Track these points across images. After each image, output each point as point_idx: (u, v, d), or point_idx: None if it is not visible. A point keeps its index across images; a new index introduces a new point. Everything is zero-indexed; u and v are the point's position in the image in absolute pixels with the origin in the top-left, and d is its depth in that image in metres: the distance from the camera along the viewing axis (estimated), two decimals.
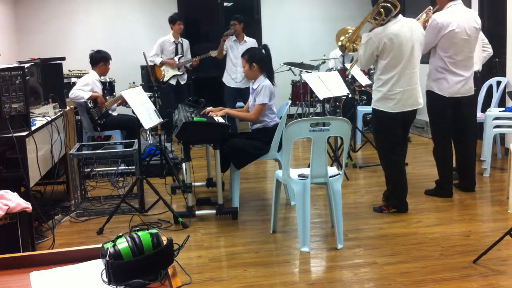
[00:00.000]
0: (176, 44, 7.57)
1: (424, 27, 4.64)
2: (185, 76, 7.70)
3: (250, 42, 7.23)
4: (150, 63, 7.50)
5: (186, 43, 7.71)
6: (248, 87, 7.18)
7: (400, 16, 4.25)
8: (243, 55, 4.78)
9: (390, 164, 4.45)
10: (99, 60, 6.27)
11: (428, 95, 4.73)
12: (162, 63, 7.43)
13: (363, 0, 8.86)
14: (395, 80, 4.23)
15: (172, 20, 7.52)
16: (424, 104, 4.73)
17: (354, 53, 8.04)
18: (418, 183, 5.18)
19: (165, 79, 7.43)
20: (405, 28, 4.21)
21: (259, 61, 4.66)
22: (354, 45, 4.52)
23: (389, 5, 4.14)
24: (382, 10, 4.18)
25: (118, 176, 5.17)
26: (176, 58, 7.50)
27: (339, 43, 4.48)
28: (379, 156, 4.57)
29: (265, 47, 4.81)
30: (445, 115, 4.67)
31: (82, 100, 5.98)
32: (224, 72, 7.36)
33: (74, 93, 5.97)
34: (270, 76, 4.72)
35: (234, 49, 7.21)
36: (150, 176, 4.97)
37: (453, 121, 4.71)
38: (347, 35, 4.44)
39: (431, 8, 4.81)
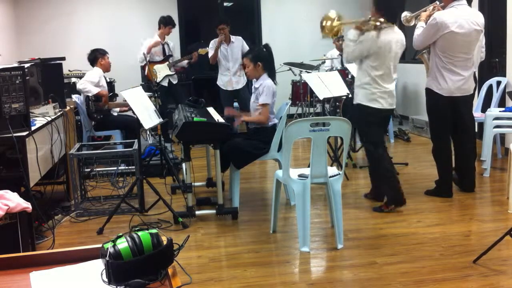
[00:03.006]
0: (163, 45, 7.59)
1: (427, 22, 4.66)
2: (176, 76, 7.71)
3: (237, 41, 7.19)
4: (141, 64, 7.58)
5: (171, 43, 7.75)
6: (243, 88, 7.23)
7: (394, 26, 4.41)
8: (246, 55, 4.79)
9: (380, 160, 4.49)
10: (95, 58, 6.35)
11: (427, 93, 4.73)
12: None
13: (362, 0, 8.86)
14: (383, 80, 4.37)
15: (165, 23, 7.50)
16: (424, 102, 4.76)
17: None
18: (418, 183, 5.18)
19: (158, 80, 7.42)
20: (396, 37, 4.39)
21: (263, 59, 4.66)
22: (331, 35, 4.67)
23: (378, 24, 4.28)
24: (370, 25, 4.35)
25: (118, 176, 5.17)
26: (166, 64, 7.53)
27: (324, 23, 4.61)
28: (368, 153, 4.62)
29: (267, 46, 4.80)
30: (444, 114, 4.67)
31: (89, 94, 6.02)
32: (218, 75, 7.36)
33: (83, 84, 6.01)
34: (272, 75, 4.72)
35: (224, 53, 7.17)
36: (150, 176, 4.96)
37: (452, 120, 4.71)
38: (335, 25, 4.55)
39: (438, 2, 4.78)
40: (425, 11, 4.79)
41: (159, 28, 7.56)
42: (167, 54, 7.60)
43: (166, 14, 7.71)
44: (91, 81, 6.07)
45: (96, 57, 6.35)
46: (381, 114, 4.47)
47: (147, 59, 7.18)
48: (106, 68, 6.43)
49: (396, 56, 4.44)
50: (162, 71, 7.53)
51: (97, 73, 6.25)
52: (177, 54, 8.05)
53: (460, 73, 4.55)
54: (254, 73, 4.70)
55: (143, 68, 7.92)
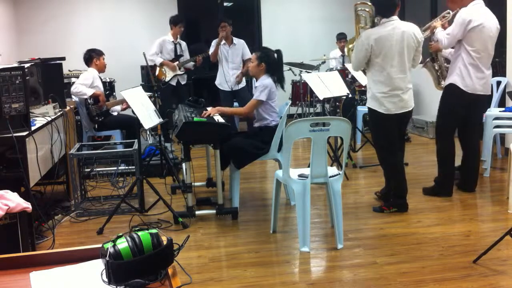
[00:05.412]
0: (175, 44, 7.59)
1: (443, 26, 4.68)
2: (185, 76, 7.71)
3: (239, 44, 7.19)
4: (150, 63, 7.50)
5: (184, 44, 7.74)
6: (242, 88, 7.23)
7: (395, 17, 4.25)
8: (256, 51, 4.81)
9: (390, 165, 4.45)
10: (90, 57, 6.35)
11: (448, 89, 4.68)
12: (162, 64, 7.41)
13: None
14: (384, 83, 4.24)
15: (175, 22, 7.52)
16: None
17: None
18: (418, 183, 5.18)
19: (167, 79, 7.42)
20: (396, 31, 4.18)
21: (269, 62, 4.65)
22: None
23: (364, 14, 4.26)
24: (361, 16, 4.34)
25: (118, 176, 5.17)
26: (176, 63, 7.49)
27: (348, 50, 4.71)
28: (378, 157, 4.57)
29: (278, 52, 4.77)
30: (458, 111, 4.68)
31: (84, 97, 6.02)
32: (217, 75, 7.34)
33: (77, 87, 6.00)
34: (279, 80, 4.72)
35: (225, 53, 7.16)
36: (150, 176, 4.96)
37: (463, 120, 4.71)
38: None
39: (450, 12, 4.80)
40: (436, 21, 4.83)
41: (171, 29, 7.56)
42: (178, 53, 7.59)
43: (167, 14, 7.73)
44: (84, 83, 6.07)
45: (91, 57, 6.36)
46: (389, 119, 4.35)
47: (148, 61, 7.13)
48: (101, 69, 6.43)
49: (404, 52, 4.24)
50: (171, 71, 7.51)
51: (91, 74, 6.25)
52: (187, 55, 8.02)
53: (484, 70, 4.60)
54: (254, 70, 4.70)
55: (150, 68, 7.88)
